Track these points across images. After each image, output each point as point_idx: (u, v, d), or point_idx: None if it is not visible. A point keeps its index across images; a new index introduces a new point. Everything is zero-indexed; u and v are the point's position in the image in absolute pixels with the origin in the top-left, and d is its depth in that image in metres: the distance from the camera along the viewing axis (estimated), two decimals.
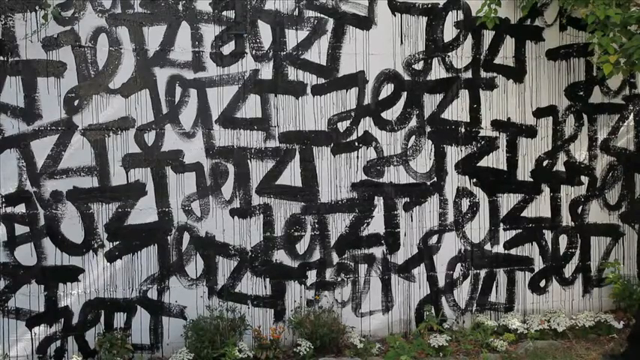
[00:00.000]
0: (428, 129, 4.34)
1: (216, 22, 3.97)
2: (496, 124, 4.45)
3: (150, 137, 3.89)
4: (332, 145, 4.18)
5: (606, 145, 4.70)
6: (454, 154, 4.39)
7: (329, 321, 4.00)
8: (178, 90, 3.93)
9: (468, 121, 4.41)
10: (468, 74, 4.40)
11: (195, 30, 3.93)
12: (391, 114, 4.28)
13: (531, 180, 4.53)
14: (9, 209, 3.69)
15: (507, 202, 4.50)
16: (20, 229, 3.72)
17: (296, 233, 4.14)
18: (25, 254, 3.72)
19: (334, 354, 3.98)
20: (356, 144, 4.23)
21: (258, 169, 4.07)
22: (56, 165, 3.74)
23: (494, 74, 4.44)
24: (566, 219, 4.62)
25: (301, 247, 4.16)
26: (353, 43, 4.19)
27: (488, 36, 4.42)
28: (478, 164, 4.44)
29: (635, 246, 4.80)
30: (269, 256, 4.10)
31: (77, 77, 3.77)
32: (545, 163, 4.56)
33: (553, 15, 4.54)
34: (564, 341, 4.20)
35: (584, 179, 4.67)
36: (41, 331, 3.76)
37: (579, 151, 4.64)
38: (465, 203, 4.43)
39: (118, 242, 3.86)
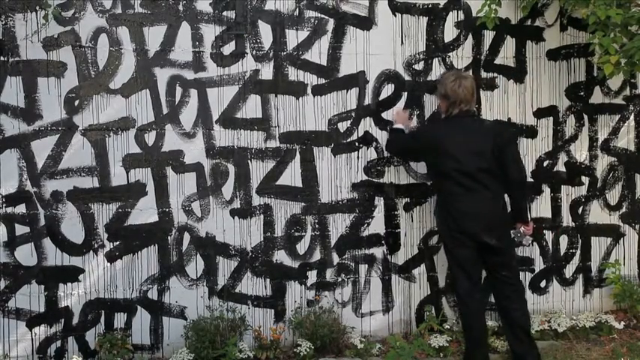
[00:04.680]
0: None
1: (217, 23, 3.97)
2: None
3: (150, 137, 3.89)
4: (332, 145, 4.18)
5: (607, 146, 4.70)
6: None
7: (329, 321, 4.00)
8: (179, 90, 3.93)
9: None
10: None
11: (195, 30, 3.93)
12: (392, 114, 4.28)
13: (532, 180, 4.53)
14: (9, 209, 3.70)
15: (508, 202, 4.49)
16: (20, 229, 3.72)
17: (296, 233, 4.14)
18: (26, 254, 3.72)
19: (334, 354, 3.98)
20: (356, 144, 4.23)
21: (258, 170, 4.07)
22: (56, 165, 3.75)
23: (495, 74, 4.43)
24: (567, 219, 4.62)
25: (301, 247, 4.16)
26: (353, 43, 4.19)
27: (488, 36, 4.42)
28: None
29: (635, 246, 4.80)
30: (269, 257, 4.10)
31: (78, 77, 3.77)
32: (545, 163, 4.56)
33: (554, 15, 4.54)
34: (565, 342, 4.20)
35: (585, 179, 4.67)
36: (41, 331, 3.76)
37: (580, 152, 4.64)
38: None
39: (118, 242, 3.86)
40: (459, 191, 3.73)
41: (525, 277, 4.55)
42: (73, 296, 3.81)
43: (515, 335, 3.77)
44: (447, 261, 4.01)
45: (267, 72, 4.06)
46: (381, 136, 4.26)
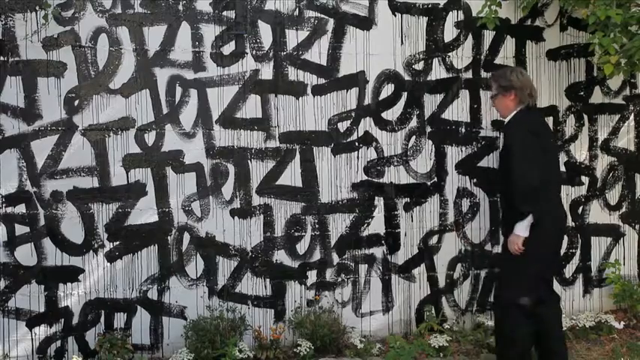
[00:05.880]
0: (428, 129, 4.34)
1: (217, 22, 3.97)
2: (497, 124, 4.44)
3: (150, 137, 3.89)
4: (332, 145, 4.18)
5: (607, 146, 4.70)
6: (454, 154, 4.39)
7: (329, 321, 4.00)
8: (179, 90, 3.93)
9: (469, 121, 4.41)
10: (469, 74, 4.40)
11: (195, 30, 3.93)
12: (391, 114, 4.28)
13: None
14: (9, 209, 3.69)
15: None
16: (20, 229, 3.71)
17: (296, 233, 4.14)
18: (25, 254, 3.72)
19: (334, 354, 3.98)
20: (356, 144, 4.22)
21: (258, 170, 4.07)
22: (56, 165, 3.74)
23: None
24: (567, 219, 4.61)
25: (301, 247, 4.15)
26: (353, 43, 4.19)
27: (488, 36, 4.42)
28: (479, 164, 4.44)
29: (635, 246, 4.80)
30: (269, 257, 4.10)
31: (77, 77, 3.76)
32: None
33: (553, 15, 4.54)
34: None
35: (585, 179, 4.67)
36: (41, 331, 3.76)
37: (580, 152, 4.64)
38: (466, 203, 4.43)
39: (118, 242, 3.86)
40: (555, 203, 3.55)
41: None
42: (72, 296, 3.80)
43: (558, 337, 3.58)
44: (519, 280, 3.52)
45: (267, 72, 4.06)
46: (381, 136, 4.26)
